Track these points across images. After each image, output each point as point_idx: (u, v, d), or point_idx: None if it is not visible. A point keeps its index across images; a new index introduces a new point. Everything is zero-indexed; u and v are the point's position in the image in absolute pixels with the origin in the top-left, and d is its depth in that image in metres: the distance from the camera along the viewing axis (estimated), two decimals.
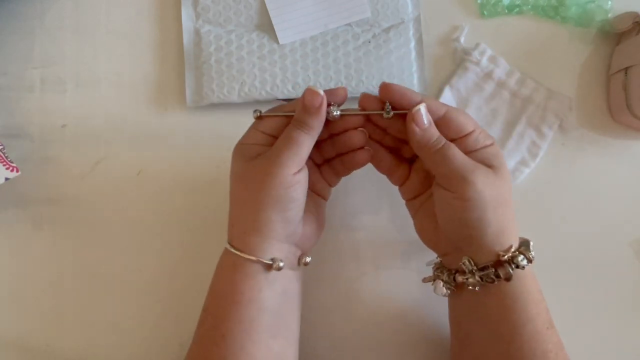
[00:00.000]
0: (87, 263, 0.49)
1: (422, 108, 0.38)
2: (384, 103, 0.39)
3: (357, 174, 0.50)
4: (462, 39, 0.51)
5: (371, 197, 0.50)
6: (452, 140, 0.38)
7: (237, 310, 0.38)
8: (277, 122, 0.40)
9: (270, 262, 0.38)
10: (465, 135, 0.39)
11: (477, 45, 0.51)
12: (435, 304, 0.47)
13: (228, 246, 0.39)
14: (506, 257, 0.37)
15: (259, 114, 0.40)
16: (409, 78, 0.50)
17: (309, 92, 0.38)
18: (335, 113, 0.39)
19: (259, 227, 0.38)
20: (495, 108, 0.51)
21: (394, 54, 0.50)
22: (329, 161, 0.44)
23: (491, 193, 0.37)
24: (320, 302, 0.48)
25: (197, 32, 0.51)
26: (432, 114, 0.38)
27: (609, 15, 0.51)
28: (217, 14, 0.51)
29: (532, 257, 0.38)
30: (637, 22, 0.48)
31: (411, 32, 0.51)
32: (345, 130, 0.41)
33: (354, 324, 0.48)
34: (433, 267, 0.43)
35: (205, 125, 0.51)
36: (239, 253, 0.38)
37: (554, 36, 0.52)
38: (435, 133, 0.38)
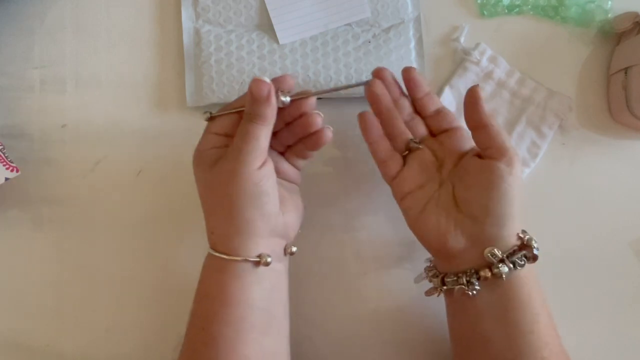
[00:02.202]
0: (87, 263, 0.49)
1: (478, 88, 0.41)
2: (398, 85, 0.44)
3: (357, 174, 0.50)
4: (462, 39, 0.51)
5: (371, 198, 0.50)
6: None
7: (227, 311, 0.37)
8: (229, 121, 0.40)
9: (258, 259, 0.38)
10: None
11: (477, 45, 0.51)
12: (435, 304, 0.47)
13: (212, 251, 0.39)
14: (526, 238, 0.39)
15: (209, 115, 0.40)
16: None
17: (255, 82, 0.37)
18: (284, 99, 0.39)
19: (239, 228, 0.38)
20: (495, 108, 0.51)
21: (394, 54, 0.50)
22: (291, 147, 0.44)
23: None
24: (321, 301, 0.48)
25: (197, 32, 0.51)
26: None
27: (609, 15, 0.51)
28: (217, 14, 0.51)
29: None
30: (637, 22, 0.48)
31: (411, 32, 0.51)
32: (300, 116, 0.41)
33: (355, 323, 0.48)
34: (432, 278, 0.42)
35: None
36: (224, 256, 0.38)
37: (554, 36, 0.52)
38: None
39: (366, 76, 0.49)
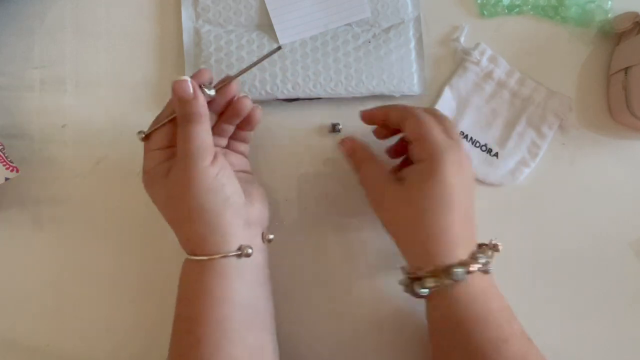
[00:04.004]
0: (87, 263, 0.49)
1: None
2: (384, 118, 0.43)
3: (356, 176, 0.50)
4: (462, 39, 0.51)
5: None
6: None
7: (211, 311, 0.37)
8: (165, 132, 0.40)
9: (239, 252, 0.38)
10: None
11: (477, 45, 0.51)
12: None
13: (191, 257, 0.39)
14: (438, 269, 0.38)
15: (143, 135, 0.40)
16: (409, 78, 0.50)
17: (177, 83, 0.37)
18: (209, 92, 0.39)
19: (212, 226, 0.38)
20: (495, 108, 0.51)
21: (394, 54, 0.50)
22: (231, 137, 0.45)
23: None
24: (319, 302, 0.48)
25: (197, 32, 0.51)
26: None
27: (609, 15, 0.51)
28: (217, 14, 0.51)
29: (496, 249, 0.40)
30: (637, 22, 0.48)
31: (411, 32, 0.51)
32: (229, 103, 0.42)
33: (352, 324, 0.48)
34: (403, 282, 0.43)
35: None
36: (205, 258, 0.38)
37: (554, 36, 0.52)
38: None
39: (366, 75, 0.49)
